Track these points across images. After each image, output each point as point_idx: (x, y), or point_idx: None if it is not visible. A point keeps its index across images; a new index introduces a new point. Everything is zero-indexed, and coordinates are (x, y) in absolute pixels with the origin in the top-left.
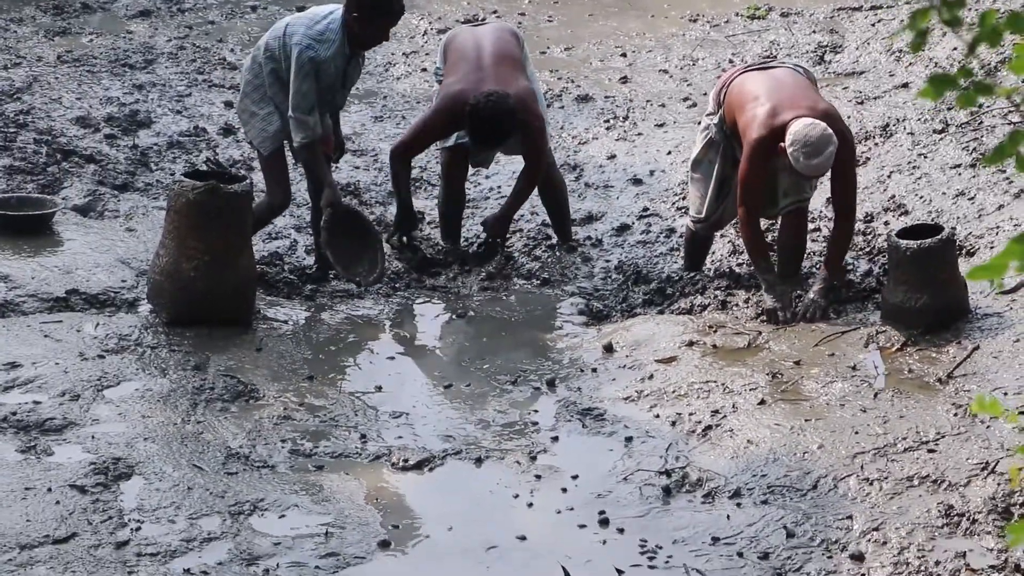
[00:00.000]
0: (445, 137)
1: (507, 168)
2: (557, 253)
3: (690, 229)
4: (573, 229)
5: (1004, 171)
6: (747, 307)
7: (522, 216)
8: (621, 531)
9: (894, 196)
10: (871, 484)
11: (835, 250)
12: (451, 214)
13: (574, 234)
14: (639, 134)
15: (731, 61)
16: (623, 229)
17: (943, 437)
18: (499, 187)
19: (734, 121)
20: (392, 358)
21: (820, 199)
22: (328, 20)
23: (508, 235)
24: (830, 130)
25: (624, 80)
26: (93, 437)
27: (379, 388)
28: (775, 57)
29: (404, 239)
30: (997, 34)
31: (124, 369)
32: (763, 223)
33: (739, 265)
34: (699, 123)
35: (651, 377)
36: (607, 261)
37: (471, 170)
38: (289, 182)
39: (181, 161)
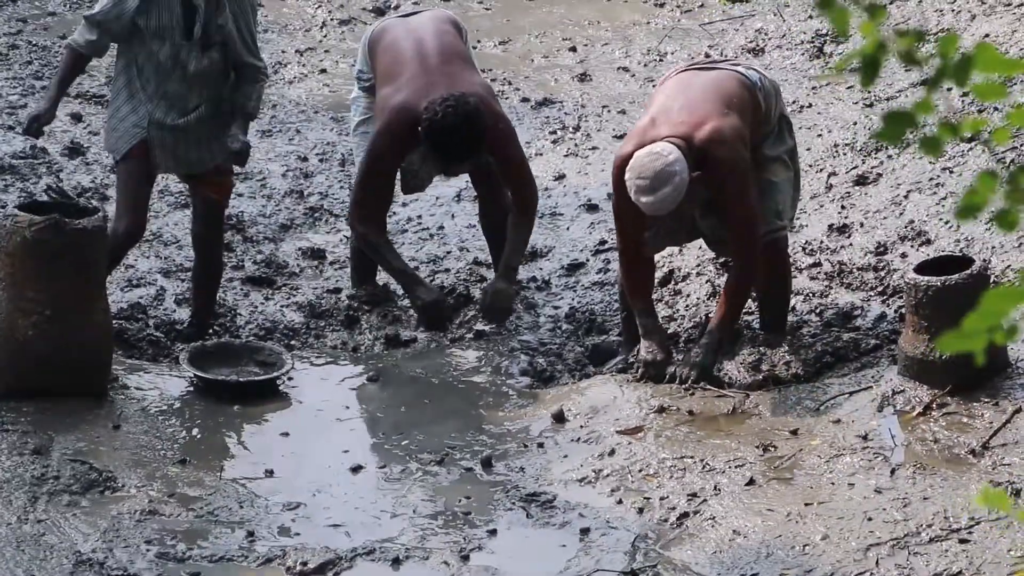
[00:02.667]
0: (397, 165)
1: (428, 192)
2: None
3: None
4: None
5: None
6: (732, 364)
7: (448, 252)
8: None
9: (912, 221)
10: None
11: (722, 301)
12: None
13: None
14: (594, 148)
15: (707, 55)
16: (575, 267)
17: (978, 524)
18: (419, 216)
19: None
20: (286, 434)
21: (821, 226)
22: None
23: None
24: (676, 167)
25: (575, 80)
26: None
27: (270, 473)
28: (734, 58)
29: (438, 310)
30: (964, 71)
31: None
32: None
33: None
34: None
35: (612, 453)
36: (555, 308)
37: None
38: (143, 203)
39: (14, 190)
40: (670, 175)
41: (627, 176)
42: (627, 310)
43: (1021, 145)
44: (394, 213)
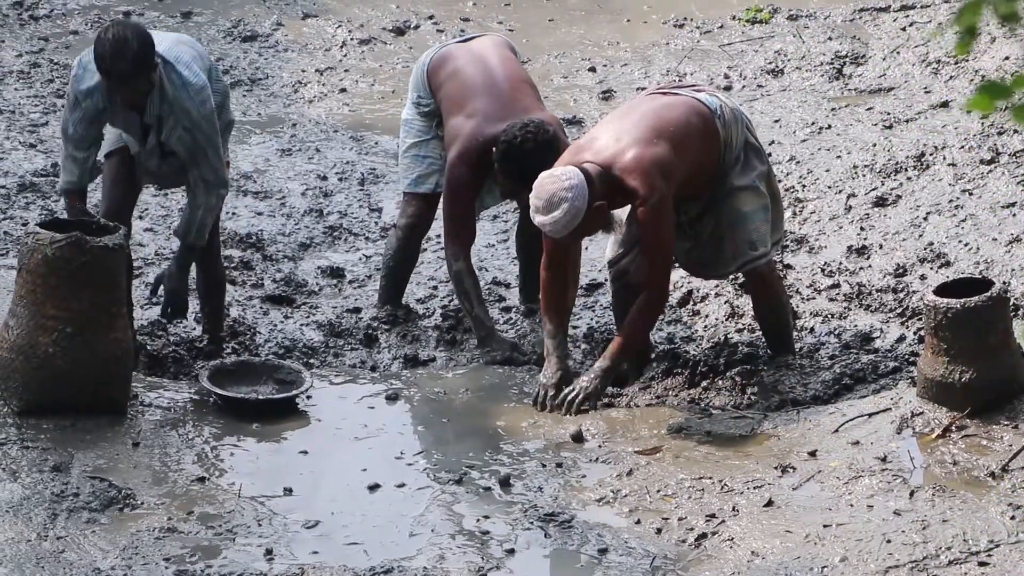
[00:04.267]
0: (476, 193)
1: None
2: (513, 317)
3: (611, 289)
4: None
5: None
6: (751, 384)
7: None
8: None
9: (932, 243)
10: None
11: (624, 328)
12: (401, 276)
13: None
14: None
15: (726, 75)
16: (593, 287)
17: (997, 547)
18: (438, 236)
19: None
20: (304, 452)
21: (840, 247)
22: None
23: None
24: (570, 194)
25: (596, 99)
26: None
27: (289, 491)
28: (700, 84)
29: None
30: None
31: None
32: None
33: (739, 331)
34: None
35: (630, 473)
36: (574, 327)
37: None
38: (120, 198)
39: (36, 208)
40: (561, 200)
41: (529, 196)
42: (613, 308)
43: None
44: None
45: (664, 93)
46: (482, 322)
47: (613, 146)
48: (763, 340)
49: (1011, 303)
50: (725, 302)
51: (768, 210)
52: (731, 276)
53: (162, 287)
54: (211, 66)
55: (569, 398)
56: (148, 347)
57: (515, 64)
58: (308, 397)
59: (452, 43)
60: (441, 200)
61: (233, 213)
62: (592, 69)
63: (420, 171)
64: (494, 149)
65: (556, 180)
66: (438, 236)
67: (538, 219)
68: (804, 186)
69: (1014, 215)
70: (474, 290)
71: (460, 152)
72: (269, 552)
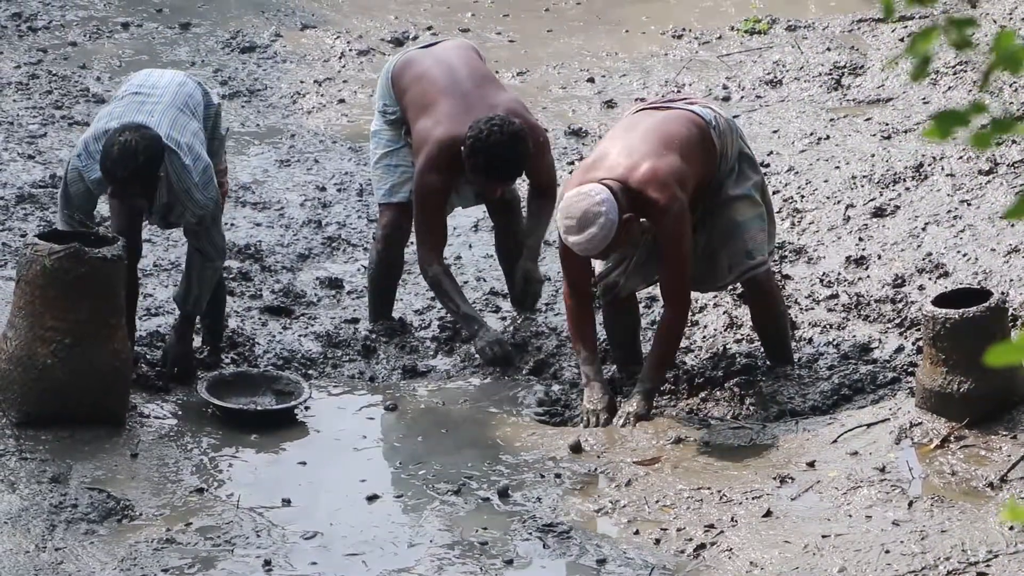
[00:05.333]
0: (447, 198)
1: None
2: (511, 327)
3: (602, 304)
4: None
5: None
6: (749, 395)
7: (465, 282)
8: None
9: (930, 254)
10: None
11: (654, 346)
12: (385, 287)
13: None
14: None
15: (724, 86)
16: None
17: (996, 557)
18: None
19: None
20: (303, 463)
21: (838, 258)
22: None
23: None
24: (603, 208)
25: (593, 110)
26: None
27: (287, 502)
28: (692, 96)
29: (500, 348)
30: (1016, 60)
31: None
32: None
33: (737, 341)
34: None
35: (629, 483)
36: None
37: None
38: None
39: (34, 219)
40: (595, 216)
41: (557, 217)
42: (616, 346)
43: None
44: (411, 244)
45: (657, 108)
46: (471, 318)
47: (625, 161)
48: (762, 351)
49: (1009, 313)
50: (723, 312)
51: (764, 219)
52: (729, 287)
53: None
54: (203, 93)
55: (621, 424)
56: (147, 357)
57: (478, 63)
58: (307, 408)
59: (415, 48)
60: (416, 210)
61: (232, 224)
62: (591, 80)
63: (393, 181)
64: (462, 148)
65: (585, 197)
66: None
67: (572, 239)
68: (803, 196)
69: (1012, 225)
70: (454, 289)
71: (428, 158)
72: (268, 563)
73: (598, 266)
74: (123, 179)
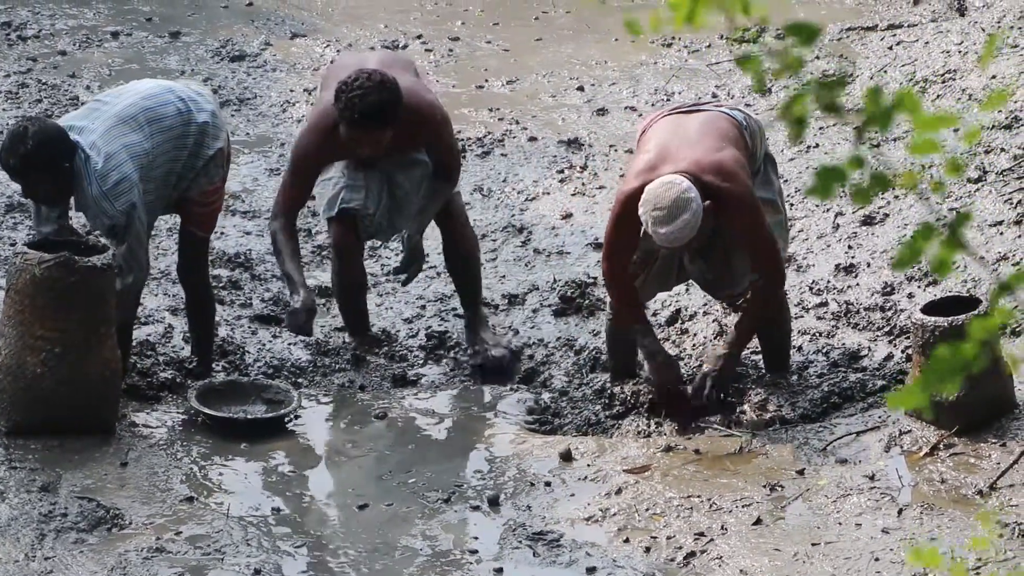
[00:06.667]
0: (321, 164)
1: (435, 232)
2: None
3: (610, 314)
4: (517, 305)
5: None
6: (739, 403)
7: (455, 292)
8: None
9: (919, 262)
10: None
11: (744, 321)
12: (352, 299)
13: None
14: (601, 187)
15: (714, 94)
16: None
17: (985, 564)
18: (426, 255)
19: None
20: (293, 472)
21: (827, 266)
22: None
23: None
24: (692, 193)
25: (583, 119)
26: None
27: (277, 511)
28: (715, 99)
29: (302, 316)
30: (885, 119)
31: None
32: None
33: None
34: None
35: (619, 491)
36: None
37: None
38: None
39: (24, 228)
40: (687, 202)
41: (642, 209)
42: (616, 356)
43: (957, 197)
44: (371, 250)
45: (689, 111)
46: (290, 279)
47: (690, 155)
48: (751, 359)
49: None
50: (713, 320)
51: (782, 226)
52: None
53: None
54: (183, 111)
55: (707, 393)
56: (137, 366)
57: (395, 63)
58: (296, 417)
59: (347, 52)
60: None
61: (222, 233)
62: (580, 88)
63: (329, 194)
64: (334, 103)
65: (672, 186)
66: (426, 255)
67: (664, 230)
68: (792, 205)
69: (1001, 233)
70: (287, 247)
71: (307, 124)
72: (257, 572)
73: None
74: (14, 168)
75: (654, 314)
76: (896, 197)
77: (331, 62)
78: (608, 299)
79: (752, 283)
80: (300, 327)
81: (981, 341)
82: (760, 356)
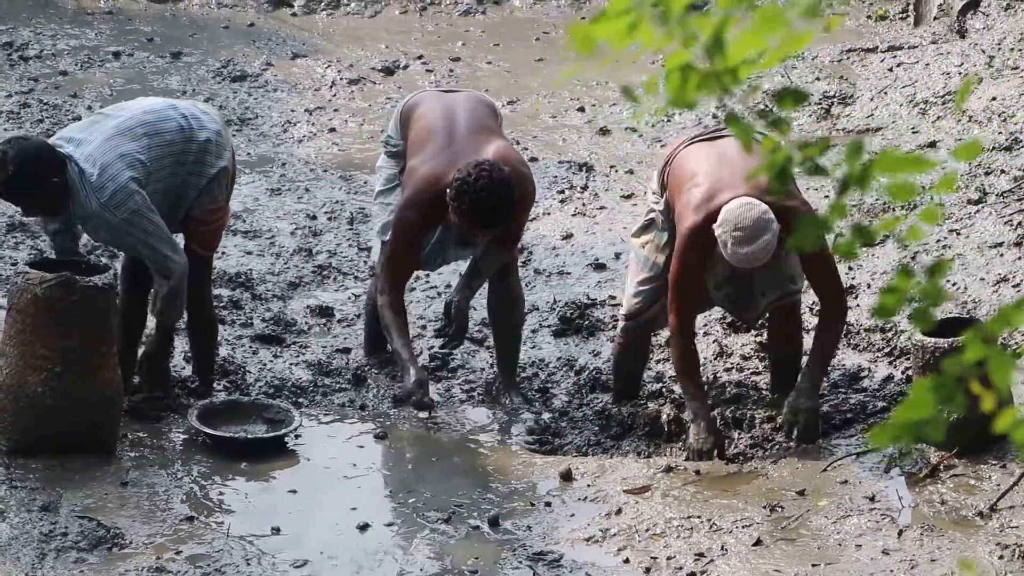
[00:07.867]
0: (424, 235)
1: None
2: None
3: (620, 338)
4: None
5: None
6: (740, 425)
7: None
8: None
9: (919, 283)
10: None
11: (822, 348)
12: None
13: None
14: (601, 207)
15: (714, 116)
16: None
17: None
18: (426, 275)
19: (674, 206)
20: (294, 492)
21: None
22: None
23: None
24: (770, 214)
25: (583, 139)
26: None
27: (276, 530)
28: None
29: (418, 399)
30: (865, 178)
31: None
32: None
33: (727, 370)
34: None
35: (619, 512)
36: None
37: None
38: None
39: (25, 247)
40: (768, 222)
41: (721, 230)
42: (622, 379)
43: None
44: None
45: (711, 137)
46: (401, 357)
47: (744, 180)
48: (751, 380)
49: (999, 343)
50: (713, 341)
51: None
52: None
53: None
54: (184, 128)
55: (792, 423)
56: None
57: (481, 114)
58: (297, 436)
59: (432, 89)
60: (386, 245)
61: (223, 252)
62: (581, 109)
63: (384, 219)
64: (448, 191)
65: (751, 207)
66: (426, 275)
67: (745, 250)
68: None
69: (1001, 255)
70: (395, 324)
71: (409, 196)
72: None
73: (632, 302)
74: (1, 195)
75: (655, 334)
76: (896, 218)
77: (410, 97)
78: (625, 327)
79: (820, 315)
80: (420, 404)
81: (956, 378)
82: (760, 376)
